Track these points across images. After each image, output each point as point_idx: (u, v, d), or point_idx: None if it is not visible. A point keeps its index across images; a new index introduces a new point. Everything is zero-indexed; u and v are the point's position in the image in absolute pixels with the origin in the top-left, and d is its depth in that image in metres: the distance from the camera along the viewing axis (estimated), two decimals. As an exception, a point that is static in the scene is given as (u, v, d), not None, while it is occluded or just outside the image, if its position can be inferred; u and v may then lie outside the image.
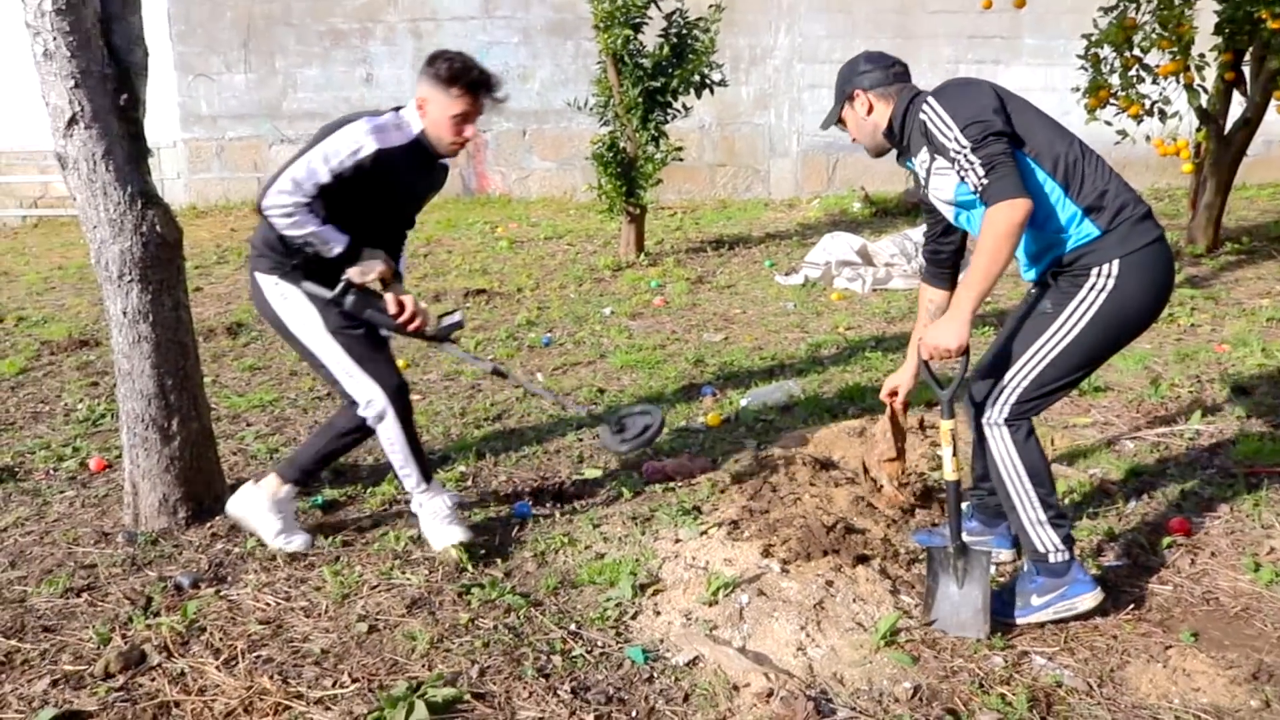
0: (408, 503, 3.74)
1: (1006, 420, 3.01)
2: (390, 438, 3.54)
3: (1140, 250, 2.91)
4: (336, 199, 3.37)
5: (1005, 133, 2.84)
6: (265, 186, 3.33)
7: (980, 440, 3.12)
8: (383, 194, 3.47)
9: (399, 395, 3.52)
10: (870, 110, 3.12)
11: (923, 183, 3.11)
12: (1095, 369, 3.10)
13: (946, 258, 3.38)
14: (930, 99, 2.95)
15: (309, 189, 3.30)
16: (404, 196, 3.61)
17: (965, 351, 2.95)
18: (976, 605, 3.01)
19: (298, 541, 3.61)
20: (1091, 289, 2.92)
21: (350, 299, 3.45)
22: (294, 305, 3.51)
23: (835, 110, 3.20)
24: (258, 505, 3.61)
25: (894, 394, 3.64)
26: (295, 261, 3.49)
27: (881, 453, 3.79)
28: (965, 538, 3.13)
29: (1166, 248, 2.98)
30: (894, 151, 3.22)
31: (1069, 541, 3.06)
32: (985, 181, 2.80)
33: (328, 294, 3.45)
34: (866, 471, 3.92)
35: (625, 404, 3.84)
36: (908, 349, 3.58)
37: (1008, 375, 3.00)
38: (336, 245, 3.42)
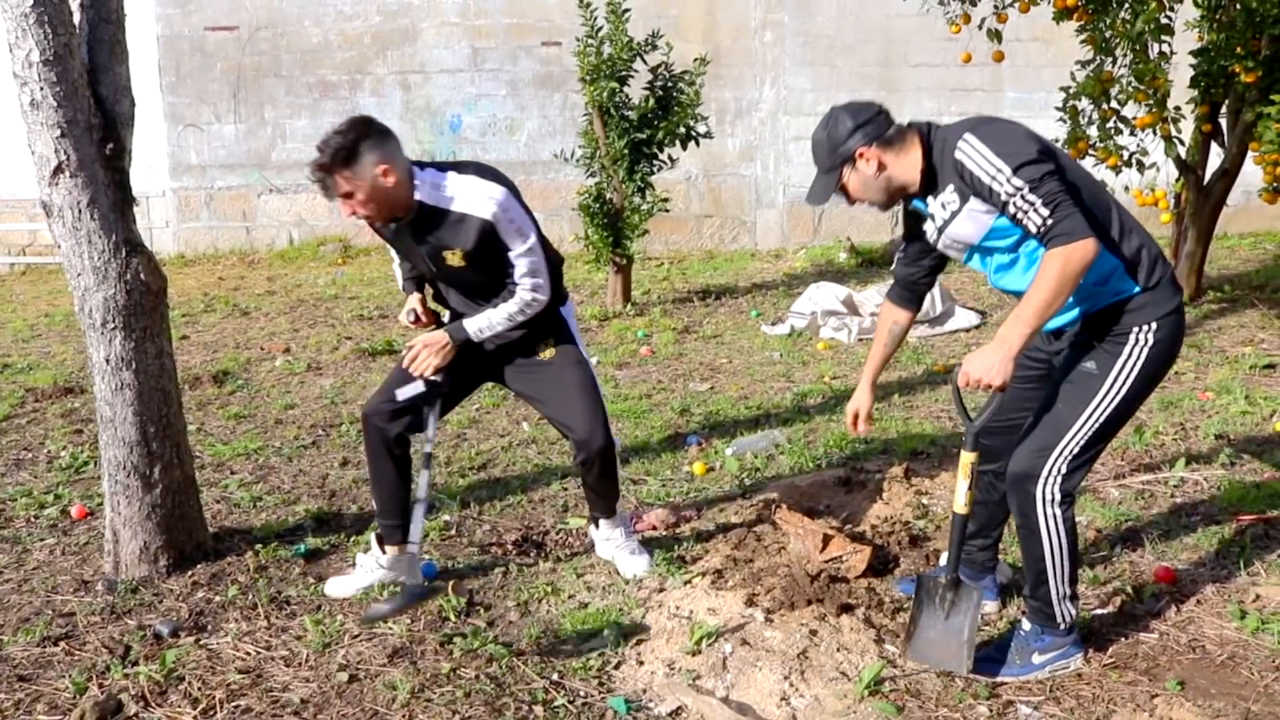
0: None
1: (1062, 496, 2.91)
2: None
3: (1172, 314, 2.88)
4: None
5: (1056, 172, 2.72)
6: None
7: (1023, 513, 2.96)
8: (402, 253, 3.57)
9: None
10: (881, 166, 2.90)
11: (938, 223, 2.94)
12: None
13: (921, 281, 3.26)
14: (969, 136, 2.77)
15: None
16: (416, 257, 3.52)
17: (1004, 389, 2.82)
18: (961, 639, 2.98)
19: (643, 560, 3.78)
20: (1136, 346, 2.85)
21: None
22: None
23: (830, 180, 2.95)
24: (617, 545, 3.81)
25: (855, 419, 3.44)
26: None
27: (815, 547, 3.72)
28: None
29: (1183, 308, 2.97)
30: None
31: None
32: (1051, 220, 2.66)
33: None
34: (837, 558, 3.79)
35: None
36: (864, 369, 3.44)
37: (1060, 445, 2.89)
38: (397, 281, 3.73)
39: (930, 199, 2.95)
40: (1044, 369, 3.13)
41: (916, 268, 3.24)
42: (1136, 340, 2.86)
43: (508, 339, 3.55)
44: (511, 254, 3.36)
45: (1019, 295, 2.87)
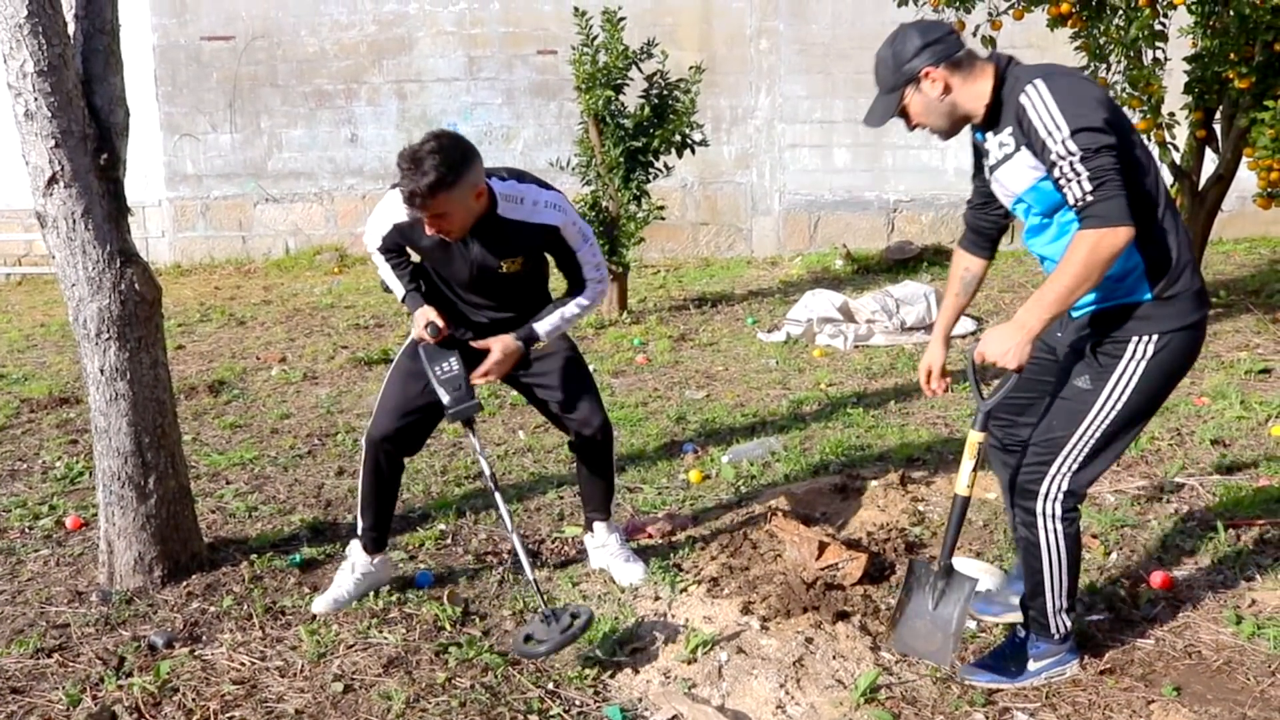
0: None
1: (1063, 511, 2.87)
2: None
3: (1188, 329, 2.77)
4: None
5: (1115, 148, 2.58)
6: None
7: (1025, 523, 2.93)
8: (439, 261, 3.52)
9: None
10: (947, 89, 2.75)
11: (990, 160, 2.84)
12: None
13: (991, 227, 3.13)
14: (1038, 82, 2.63)
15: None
16: (456, 266, 3.48)
17: (1020, 370, 2.75)
18: (948, 631, 2.96)
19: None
20: (1133, 360, 2.76)
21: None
22: None
23: (892, 100, 2.80)
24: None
25: (930, 375, 3.26)
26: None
27: (810, 555, 3.71)
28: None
29: (1205, 324, 2.83)
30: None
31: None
32: (1091, 198, 2.55)
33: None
34: (832, 565, 3.77)
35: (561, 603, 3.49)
36: (935, 323, 3.31)
37: (1058, 460, 2.84)
38: (395, 293, 3.66)
39: (990, 134, 2.82)
40: (1052, 356, 3.04)
41: (987, 213, 3.11)
42: (1135, 352, 2.76)
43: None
44: (579, 254, 3.49)
45: (1044, 260, 2.82)
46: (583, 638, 3.22)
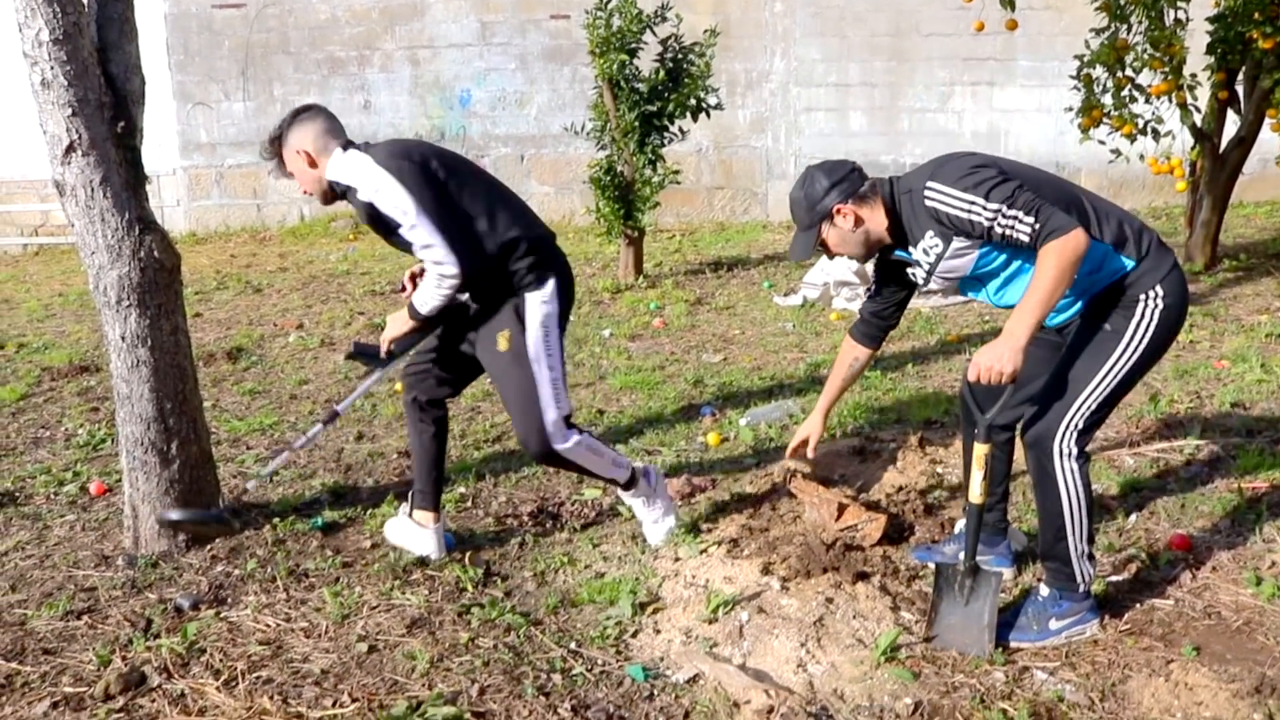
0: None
1: (1078, 452, 2.98)
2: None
3: (1172, 272, 2.96)
4: None
5: (1024, 184, 2.86)
6: None
7: (1042, 469, 3.01)
8: None
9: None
10: (858, 222, 3.03)
11: (925, 267, 3.05)
12: None
13: (888, 319, 3.41)
14: (932, 184, 2.91)
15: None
16: None
17: (1014, 378, 2.89)
18: (982, 623, 3.00)
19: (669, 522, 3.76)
20: (1146, 311, 2.93)
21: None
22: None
23: (810, 236, 3.08)
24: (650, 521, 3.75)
25: (803, 445, 3.65)
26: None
27: (829, 516, 3.72)
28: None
29: (1180, 267, 3.05)
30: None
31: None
32: (1038, 224, 2.78)
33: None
34: (852, 526, 3.76)
35: None
36: (819, 400, 3.61)
37: (1078, 402, 2.95)
38: None
39: (911, 248, 3.06)
40: (1054, 347, 3.18)
41: (885, 306, 3.38)
42: (1146, 306, 2.94)
43: (477, 315, 3.54)
44: (400, 231, 3.34)
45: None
46: (603, 598, 3.31)
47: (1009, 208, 2.80)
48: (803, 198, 3.07)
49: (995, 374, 2.85)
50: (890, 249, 3.14)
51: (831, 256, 3.19)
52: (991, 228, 2.84)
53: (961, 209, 2.85)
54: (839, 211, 3.02)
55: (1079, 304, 3.05)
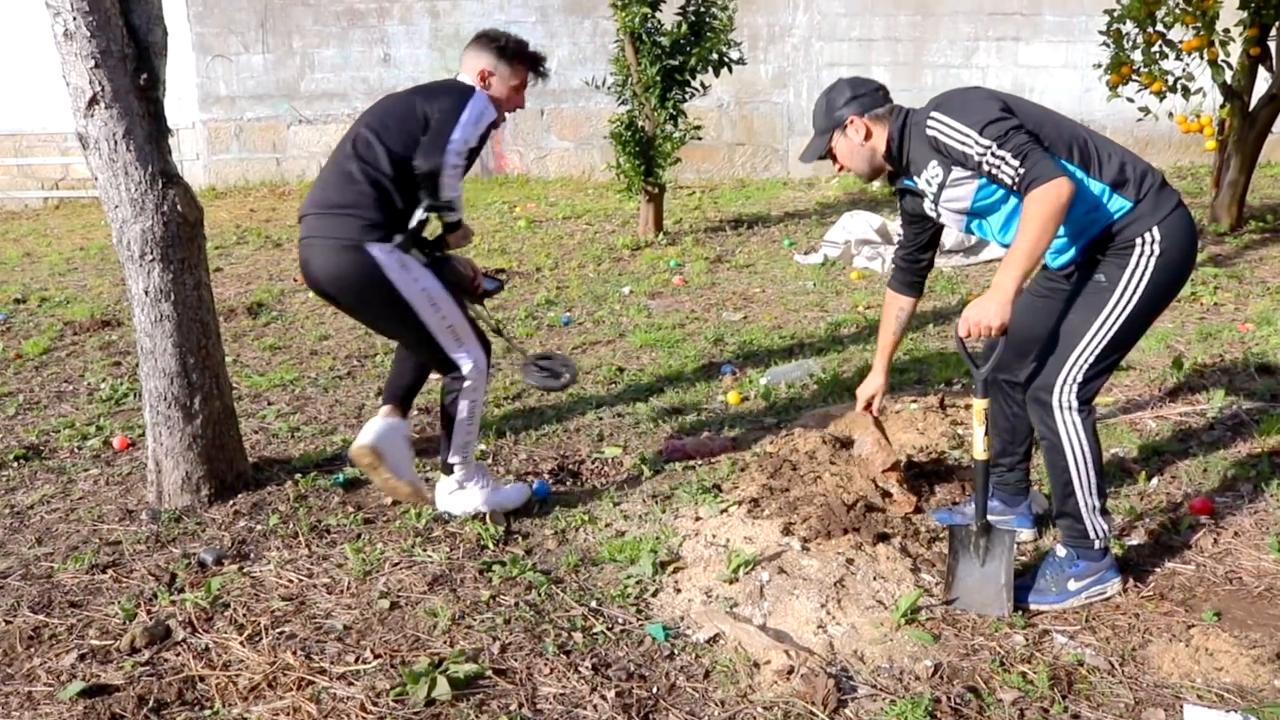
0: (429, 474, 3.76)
1: (1079, 403, 2.99)
2: (476, 400, 3.59)
3: (1173, 214, 2.94)
4: None
5: (1022, 125, 2.87)
6: (435, 146, 3.34)
7: (1044, 423, 3.04)
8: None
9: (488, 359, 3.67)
10: (868, 135, 3.11)
11: (931, 197, 3.10)
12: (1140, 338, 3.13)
13: (923, 267, 3.47)
14: (935, 113, 2.95)
15: (465, 152, 3.39)
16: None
17: (1004, 330, 2.90)
18: (999, 583, 3.00)
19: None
20: (1142, 257, 2.92)
21: (451, 262, 3.59)
22: (415, 273, 3.44)
23: (822, 142, 3.18)
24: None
25: (869, 404, 3.73)
26: (404, 231, 3.45)
27: (881, 463, 3.73)
28: (989, 517, 3.12)
29: (1188, 210, 3.02)
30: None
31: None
32: (1023, 169, 2.80)
33: (435, 257, 3.56)
34: (874, 484, 3.79)
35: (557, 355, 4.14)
36: (875, 357, 3.68)
37: (1074, 354, 2.98)
38: (461, 211, 3.53)
39: (916, 177, 3.11)
40: (1055, 294, 3.19)
41: (919, 255, 3.45)
42: (1142, 249, 2.92)
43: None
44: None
45: None
46: (623, 557, 3.33)
47: (999, 147, 2.82)
48: (824, 102, 3.17)
49: (984, 328, 2.88)
50: (898, 177, 3.21)
51: (839, 168, 3.25)
52: (981, 163, 2.88)
53: (956, 140, 2.90)
54: (851, 123, 3.11)
55: (1078, 244, 3.03)
